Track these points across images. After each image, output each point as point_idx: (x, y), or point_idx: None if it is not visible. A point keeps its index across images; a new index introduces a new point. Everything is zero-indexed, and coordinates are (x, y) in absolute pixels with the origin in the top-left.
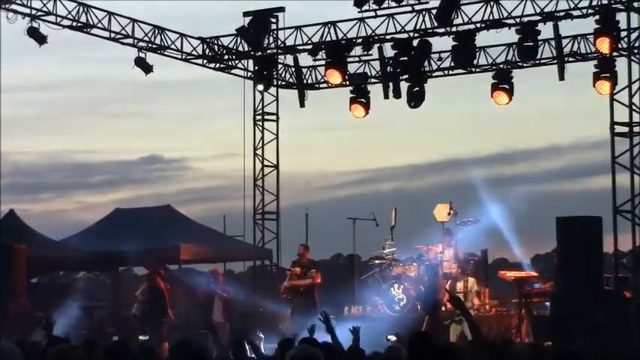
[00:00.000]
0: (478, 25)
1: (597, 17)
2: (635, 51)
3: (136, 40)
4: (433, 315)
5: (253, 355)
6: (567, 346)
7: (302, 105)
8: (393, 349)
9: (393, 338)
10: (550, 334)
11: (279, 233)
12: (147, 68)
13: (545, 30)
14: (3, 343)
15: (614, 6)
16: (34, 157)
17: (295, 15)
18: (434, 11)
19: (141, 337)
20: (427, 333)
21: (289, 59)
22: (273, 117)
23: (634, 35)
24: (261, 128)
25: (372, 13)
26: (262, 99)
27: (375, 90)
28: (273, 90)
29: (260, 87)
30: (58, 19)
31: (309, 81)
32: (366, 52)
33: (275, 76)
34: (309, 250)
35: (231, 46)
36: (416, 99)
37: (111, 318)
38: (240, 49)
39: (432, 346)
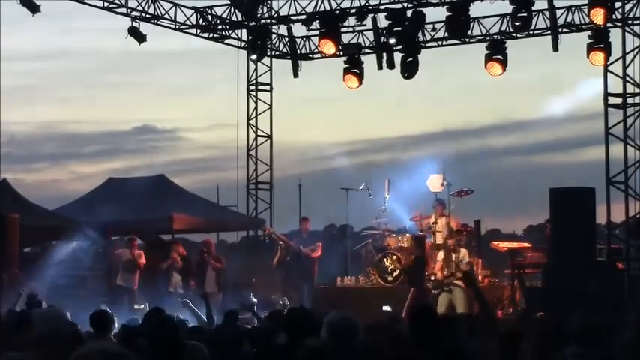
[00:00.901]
0: None
1: None
2: (630, 22)
3: (129, 10)
4: (420, 287)
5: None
6: (560, 317)
7: (295, 75)
8: (395, 320)
9: (387, 308)
10: (542, 304)
11: (273, 203)
12: (140, 38)
13: (539, 0)
14: (53, 310)
15: None
16: (27, 127)
17: None
18: None
19: (136, 307)
20: (429, 306)
21: (283, 29)
22: (267, 87)
23: (628, 6)
24: (254, 98)
25: None
26: (256, 69)
27: (369, 60)
28: (266, 60)
29: (253, 57)
30: None
31: (303, 51)
32: (359, 23)
33: (269, 46)
34: (309, 222)
35: (224, 16)
36: (409, 69)
37: (104, 287)
38: (234, 19)
39: (434, 319)
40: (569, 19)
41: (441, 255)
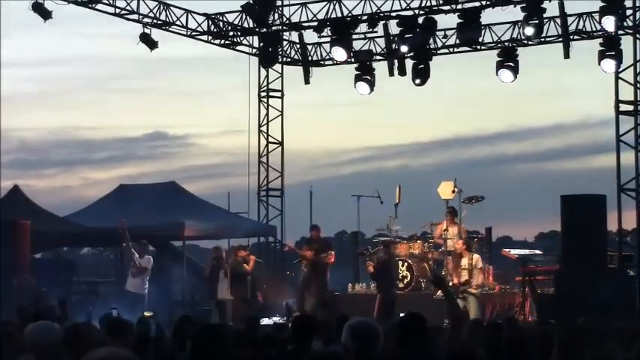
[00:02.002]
0: (484, 2)
1: None
2: None
3: (141, 16)
4: (385, 294)
5: None
6: (571, 324)
7: (307, 82)
8: None
9: None
10: (554, 312)
11: (284, 210)
12: (152, 44)
13: (551, 7)
14: (43, 323)
15: None
16: (38, 133)
17: None
18: None
19: (146, 314)
20: (418, 314)
21: (294, 36)
22: (278, 94)
23: (639, 14)
24: (266, 105)
25: None
26: (267, 76)
27: (380, 67)
28: (278, 67)
29: (264, 61)
30: None
31: (314, 58)
32: (371, 29)
33: (280, 52)
34: (320, 230)
35: (236, 22)
36: (421, 76)
37: (115, 293)
38: (246, 25)
39: (423, 326)
40: (580, 27)
41: (451, 262)
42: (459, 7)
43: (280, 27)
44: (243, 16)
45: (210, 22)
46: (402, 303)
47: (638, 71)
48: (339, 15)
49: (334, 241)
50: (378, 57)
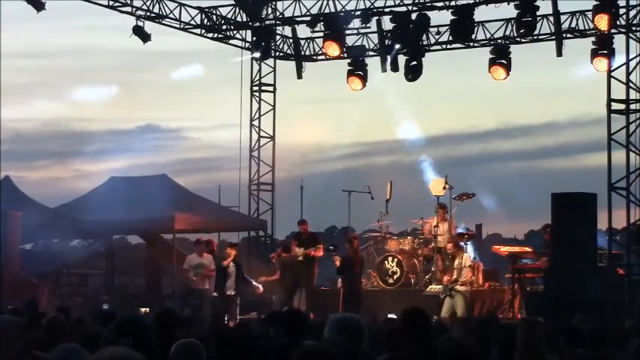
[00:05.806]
0: None
1: None
2: (634, 28)
3: (134, 9)
4: (345, 289)
5: None
6: (562, 322)
7: (299, 77)
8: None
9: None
10: (543, 309)
11: (274, 204)
12: (145, 37)
13: (544, 5)
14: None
15: None
16: (30, 124)
17: None
18: None
19: (142, 309)
20: (418, 309)
21: (287, 30)
22: (271, 88)
23: (632, 12)
24: (258, 99)
25: None
26: (260, 70)
27: (373, 63)
28: (270, 61)
29: (257, 55)
30: None
31: (307, 53)
32: (364, 25)
33: (273, 47)
34: (308, 224)
35: (229, 16)
36: (413, 72)
37: (105, 286)
38: (239, 19)
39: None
40: (573, 25)
41: (441, 260)
42: (453, 3)
43: (273, 21)
44: (237, 10)
45: (203, 16)
46: (391, 297)
47: (630, 70)
48: (333, 10)
49: (324, 237)
50: (370, 52)
